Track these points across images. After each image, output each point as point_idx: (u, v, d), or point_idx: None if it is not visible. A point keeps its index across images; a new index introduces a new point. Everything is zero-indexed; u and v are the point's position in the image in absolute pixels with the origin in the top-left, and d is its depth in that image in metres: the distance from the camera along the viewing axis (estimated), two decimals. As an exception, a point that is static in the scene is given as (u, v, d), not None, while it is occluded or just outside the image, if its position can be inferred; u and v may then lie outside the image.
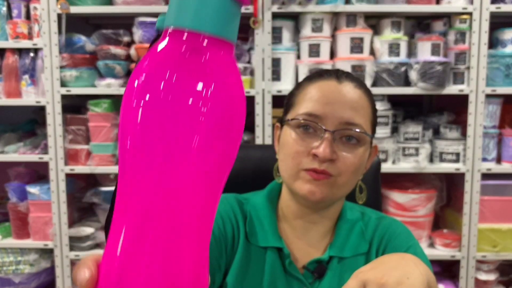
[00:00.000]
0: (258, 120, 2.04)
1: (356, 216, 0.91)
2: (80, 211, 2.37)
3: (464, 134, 2.10)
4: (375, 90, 2.07)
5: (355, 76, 0.89)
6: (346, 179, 0.82)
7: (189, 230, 0.34)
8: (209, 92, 0.32)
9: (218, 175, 0.34)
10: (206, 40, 0.34)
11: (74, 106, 2.20)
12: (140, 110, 0.33)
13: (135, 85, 0.33)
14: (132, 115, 0.33)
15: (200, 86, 0.32)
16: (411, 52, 2.16)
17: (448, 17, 2.11)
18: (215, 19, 0.33)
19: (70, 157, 2.13)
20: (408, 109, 2.31)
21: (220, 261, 0.85)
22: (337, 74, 0.86)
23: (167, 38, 0.35)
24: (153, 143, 0.32)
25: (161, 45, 0.35)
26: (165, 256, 0.33)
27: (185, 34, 0.34)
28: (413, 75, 2.03)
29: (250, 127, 2.06)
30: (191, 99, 0.32)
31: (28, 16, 2.18)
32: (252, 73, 2.08)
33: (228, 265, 0.87)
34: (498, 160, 2.16)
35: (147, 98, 0.33)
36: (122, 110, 0.34)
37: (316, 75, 0.87)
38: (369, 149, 0.86)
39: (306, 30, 2.05)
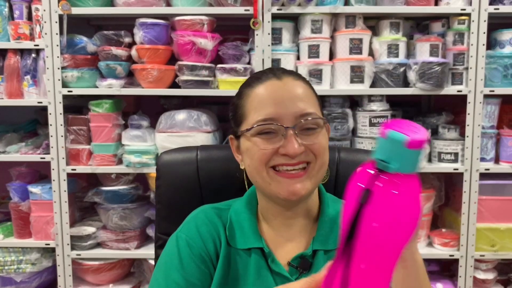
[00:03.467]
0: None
1: (339, 208, 0.93)
2: (81, 210, 2.39)
3: (462, 134, 2.12)
4: (374, 91, 2.09)
5: (289, 69, 0.92)
6: (322, 162, 0.85)
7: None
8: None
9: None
10: (415, 176, 0.52)
11: (75, 107, 2.22)
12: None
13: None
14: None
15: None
16: (410, 53, 2.17)
17: (446, 18, 2.13)
18: (416, 165, 0.51)
19: (72, 157, 2.15)
20: (406, 109, 2.33)
21: (206, 282, 0.88)
22: (274, 73, 0.88)
23: (402, 180, 0.51)
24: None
25: (404, 186, 0.51)
26: None
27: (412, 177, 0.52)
28: (412, 75, 2.05)
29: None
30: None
31: (29, 17, 2.19)
32: (252, 73, 2.09)
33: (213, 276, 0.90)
34: (496, 160, 2.17)
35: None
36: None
37: (254, 79, 0.89)
38: (325, 128, 0.89)
39: (306, 31, 2.07)
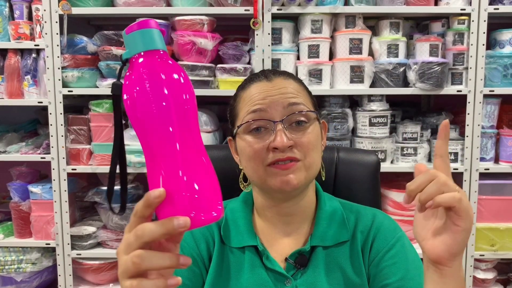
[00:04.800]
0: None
1: (335, 205, 0.94)
2: (81, 210, 2.39)
3: (462, 134, 2.12)
4: (374, 91, 2.09)
5: (282, 70, 0.94)
6: (312, 159, 0.86)
7: (192, 153, 0.56)
8: (180, 77, 0.56)
9: (186, 116, 0.56)
10: (161, 52, 0.57)
11: (76, 106, 2.22)
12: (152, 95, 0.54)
13: (146, 86, 0.54)
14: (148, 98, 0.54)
15: (175, 75, 0.56)
16: (410, 52, 2.18)
17: (446, 18, 2.13)
18: (158, 42, 0.57)
19: (72, 156, 2.15)
20: (406, 109, 2.33)
21: (196, 283, 0.89)
22: (265, 74, 0.90)
23: (142, 58, 0.56)
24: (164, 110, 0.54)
25: (143, 62, 0.55)
26: (190, 173, 0.55)
27: (153, 52, 0.56)
28: (412, 75, 2.05)
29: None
30: (173, 80, 0.55)
31: (30, 17, 2.20)
32: (252, 73, 2.09)
33: (204, 277, 0.91)
34: (496, 159, 2.17)
35: (151, 91, 0.54)
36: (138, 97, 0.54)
37: (247, 81, 0.92)
38: (318, 125, 0.90)
39: (306, 31, 2.07)
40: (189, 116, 0.56)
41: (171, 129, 0.54)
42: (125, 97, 0.55)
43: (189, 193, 0.54)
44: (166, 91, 0.54)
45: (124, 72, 0.57)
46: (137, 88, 0.54)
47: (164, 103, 0.54)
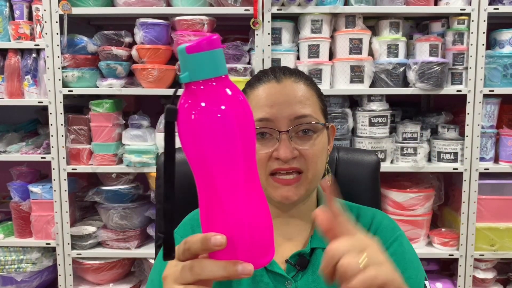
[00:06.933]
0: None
1: None
2: (82, 210, 2.39)
3: (462, 134, 2.12)
4: (374, 91, 2.09)
5: (292, 69, 0.91)
6: (315, 171, 0.85)
7: (246, 188, 0.51)
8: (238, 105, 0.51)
9: (251, 156, 0.52)
10: (220, 79, 0.50)
11: (76, 106, 2.22)
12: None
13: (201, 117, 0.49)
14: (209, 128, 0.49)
15: (244, 108, 0.51)
16: (410, 52, 2.18)
17: (446, 18, 2.13)
18: (225, 65, 0.50)
19: (72, 156, 2.15)
20: (406, 109, 2.33)
21: None
22: (275, 74, 0.88)
23: (209, 86, 0.49)
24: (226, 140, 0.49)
25: (211, 92, 0.49)
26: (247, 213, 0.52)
27: (220, 80, 0.50)
28: (412, 75, 2.05)
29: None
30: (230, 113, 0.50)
31: (30, 17, 2.20)
32: (252, 73, 2.10)
33: None
34: (496, 159, 2.18)
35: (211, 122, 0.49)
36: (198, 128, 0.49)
37: (256, 79, 0.90)
38: (326, 132, 0.89)
39: (306, 31, 2.07)
40: (253, 152, 0.52)
41: (238, 171, 0.50)
42: (183, 126, 0.50)
43: (252, 240, 0.52)
44: (237, 131, 0.49)
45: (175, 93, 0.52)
46: (204, 123, 0.48)
47: (234, 143, 0.49)
